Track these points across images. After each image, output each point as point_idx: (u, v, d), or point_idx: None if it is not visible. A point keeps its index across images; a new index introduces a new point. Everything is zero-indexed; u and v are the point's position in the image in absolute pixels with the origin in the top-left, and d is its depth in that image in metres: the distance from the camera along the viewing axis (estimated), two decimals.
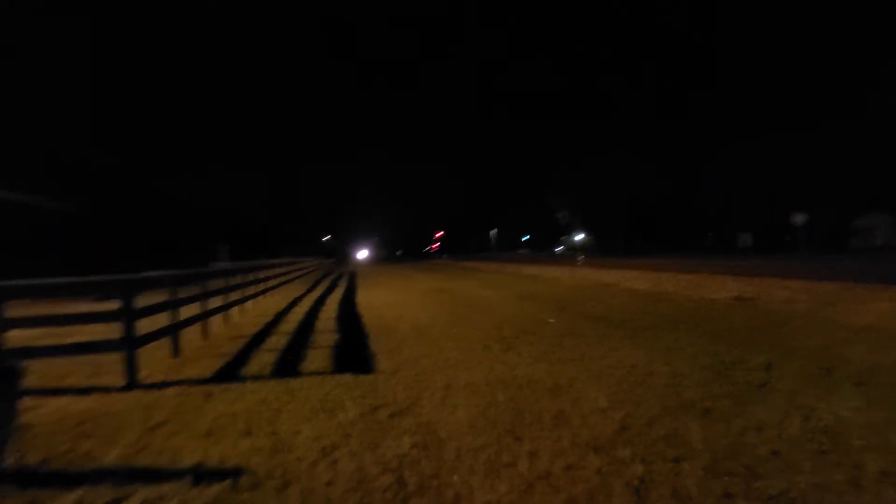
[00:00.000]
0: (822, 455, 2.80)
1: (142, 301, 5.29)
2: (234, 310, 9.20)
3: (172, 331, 5.71)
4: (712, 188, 47.41)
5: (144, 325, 5.23)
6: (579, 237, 62.69)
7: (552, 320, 8.05)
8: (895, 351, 5.06)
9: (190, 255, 26.99)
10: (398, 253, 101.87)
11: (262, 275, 12.87)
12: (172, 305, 5.73)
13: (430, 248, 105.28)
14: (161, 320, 5.75)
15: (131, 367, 4.59)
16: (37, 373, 4.97)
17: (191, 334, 7.02)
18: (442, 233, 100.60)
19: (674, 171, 49.59)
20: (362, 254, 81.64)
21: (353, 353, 5.99)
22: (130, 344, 4.62)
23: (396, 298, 12.93)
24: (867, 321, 6.69)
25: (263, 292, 12.62)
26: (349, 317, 9.39)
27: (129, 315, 4.67)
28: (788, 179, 40.31)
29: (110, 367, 5.17)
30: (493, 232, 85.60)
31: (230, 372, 5.13)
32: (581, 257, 32.42)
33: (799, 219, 25.71)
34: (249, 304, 10.52)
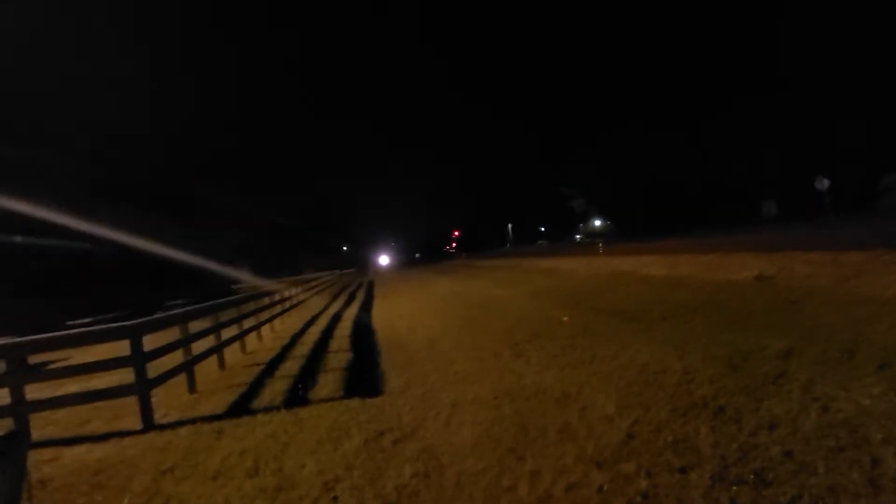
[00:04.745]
0: (838, 453, 2.66)
1: (162, 338, 5.44)
2: (252, 335, 9.34)
3: (186, 367, 5.82)
4: (727, 151, 44.84)
5: (164, 362, 5.36)
6: (598, 223, 61.69)
7: (565, 318, 7.93)
8: None
9: (212, 279, 27.63)
10: (417, 256, 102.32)
11: (277, 297, 13.07)
12: (182, 344, 5.84)
13: (449, 248, 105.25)
14: (178, 356, 5.88)
15: (146, 410, 4.69)
16: (59, 421, 5.15)
17: (208, 365, 7.15)
18: (458, 233, 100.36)
19: (681, 130, 46.44)
20: (383, 259, 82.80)
21: (364, 372, 6.01)
22: (143, 387, 4.71)
23: (411, 308, 12.95)
24: (894, 292, 6.36)
25: (281, 314, 12.81)
26: (363, 333, 9.43)
27: (139, 360, 4.77)
28: (810, 136, 38.09)
29: (130, 409, 5.29)
30: (509, 226, 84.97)
31: (243, 404, 5.20)
32: (601, 244, 31.86)
33: (823, 183, 24.63)
34: (266, 328, 10.68)
